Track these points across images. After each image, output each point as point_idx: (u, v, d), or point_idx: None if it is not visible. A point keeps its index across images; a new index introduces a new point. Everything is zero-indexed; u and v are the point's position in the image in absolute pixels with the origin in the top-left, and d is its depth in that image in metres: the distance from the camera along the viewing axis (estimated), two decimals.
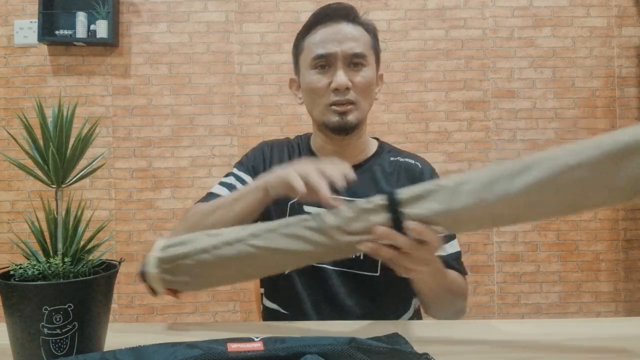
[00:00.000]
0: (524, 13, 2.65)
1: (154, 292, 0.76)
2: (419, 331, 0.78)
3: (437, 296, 0.95)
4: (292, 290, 1.02)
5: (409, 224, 0.66)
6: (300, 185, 0.76)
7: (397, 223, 0.67)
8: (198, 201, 1.04)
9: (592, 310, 2.60)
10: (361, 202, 0.69)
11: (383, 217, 0.67)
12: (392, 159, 1.10)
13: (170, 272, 0.73)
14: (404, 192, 0.67)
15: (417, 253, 0.69)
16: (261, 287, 1.14)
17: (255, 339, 0.58)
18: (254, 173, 1.08)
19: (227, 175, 1.10)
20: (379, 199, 0.68)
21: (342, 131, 1.01)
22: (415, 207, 0.66)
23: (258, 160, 1.11)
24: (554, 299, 2.60)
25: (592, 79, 2.63)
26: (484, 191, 0.63)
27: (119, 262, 0.67)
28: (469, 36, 2.65)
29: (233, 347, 0.56)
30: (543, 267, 2.61)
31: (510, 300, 2.61)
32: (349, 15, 1.01)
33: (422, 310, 1.13)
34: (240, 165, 1.12)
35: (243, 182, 1.07)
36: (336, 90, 0.98)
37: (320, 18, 1.01)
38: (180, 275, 0.73)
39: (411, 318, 1.06)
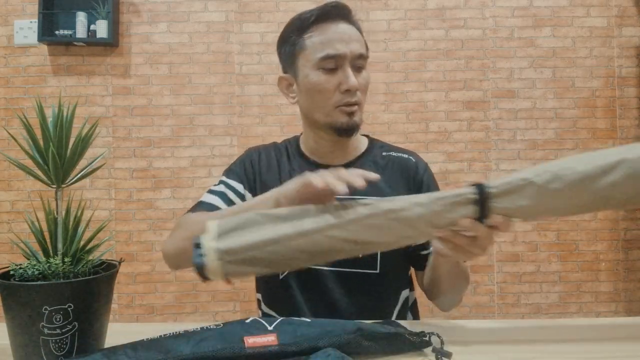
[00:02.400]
0: (524, 13, 2.64)
1: (205, 279, 0.68)
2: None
3: (457, 280, 0.99)
4: (289, 296, 1.02)
5: (496, 218, 0.67)
6: (318, 182, 0.72)
7: (483, 215, 0.67)
8: (188, 210, 1.02)
9: (592, 310, 2.60)
10: (450, 196, 0.67)
11: (471, 209, 0.67)
12: (384, 153, 1.11)
13: (234, 263, 0.65)
14: (494, 187, 0.67)
15: (487, 240, 0.70)
16: (258, 292, 1.13)
17: (269, 327, 0.62)
18: (245, 181, 1.08)
19: (217, 184, 1.08)
20: (470, 192, 0.67)
21: (349, 131, 1.01)
22: (503, 201, 0.67)
23: (248, 167, 1.10)
24: (554, 299, 2.60)
25: (592, 79, 2.63)
26: (572, 191, 0.65)
27: (119, 262, 0.67)
28: (469, 36, 2.64)
29: (250, 342, 0.59)
30: (543, 267, 2.60)
31: (510, 300, 2.61)
32: (347, 15, 1.01)
33: (417, 305, 1.14)
34: (230, 173, 1.10)
35: (234, 190, 1.06)
36: (347, 92, 0.98)
37: (320, 16, 1.00)
38: (245, 266, 0.66)
39: (400, 310, 1.06)
